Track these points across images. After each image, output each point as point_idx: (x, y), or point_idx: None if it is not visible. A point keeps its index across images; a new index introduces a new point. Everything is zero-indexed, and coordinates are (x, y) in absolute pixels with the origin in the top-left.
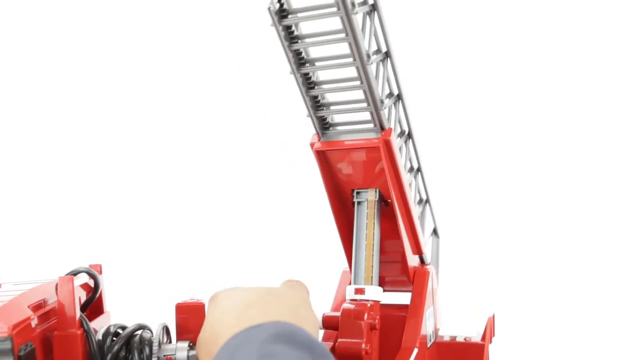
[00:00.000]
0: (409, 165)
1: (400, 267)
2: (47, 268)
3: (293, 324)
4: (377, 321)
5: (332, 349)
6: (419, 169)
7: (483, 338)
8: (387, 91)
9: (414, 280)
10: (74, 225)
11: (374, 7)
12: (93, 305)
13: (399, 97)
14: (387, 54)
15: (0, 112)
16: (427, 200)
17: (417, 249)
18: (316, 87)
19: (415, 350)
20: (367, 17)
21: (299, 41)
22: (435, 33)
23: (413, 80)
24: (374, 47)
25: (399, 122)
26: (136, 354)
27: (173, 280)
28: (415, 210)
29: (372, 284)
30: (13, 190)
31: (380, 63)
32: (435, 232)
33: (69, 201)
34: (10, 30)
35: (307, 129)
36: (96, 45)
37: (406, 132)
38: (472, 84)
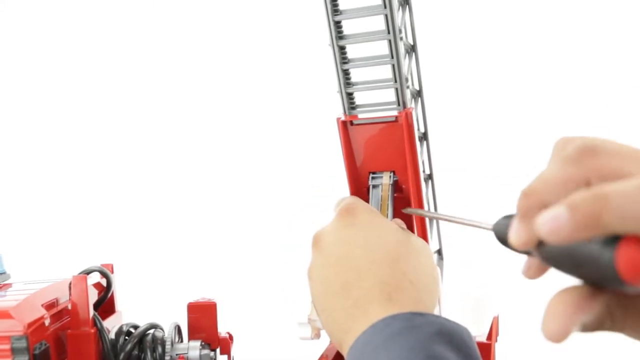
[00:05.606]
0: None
1: None
2: (56, 267)
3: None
4: None
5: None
6: (430, 177)
7: (489, 337)
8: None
9: None
10: (81, 224)
11: (406, 1)
12: (105, 304)
13: (419, 94)
14: (413, 49)
15: (7, 112)
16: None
17: None
18: (349, 62)
19: None
20: (400, 7)
21: (342, 13)
22: (456, 36)
23: (431, 82)
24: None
25: (417, 121)
26: (149, 353)
27: (181, 280)
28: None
29: None
30: (21, 189)
31: (407, 54)
32: (439, 252)
33: (77, 200)
34: (10, 30)
35: (308, 130)
36: (105, 46)
37: (422, 133)
38: (491, 90)
